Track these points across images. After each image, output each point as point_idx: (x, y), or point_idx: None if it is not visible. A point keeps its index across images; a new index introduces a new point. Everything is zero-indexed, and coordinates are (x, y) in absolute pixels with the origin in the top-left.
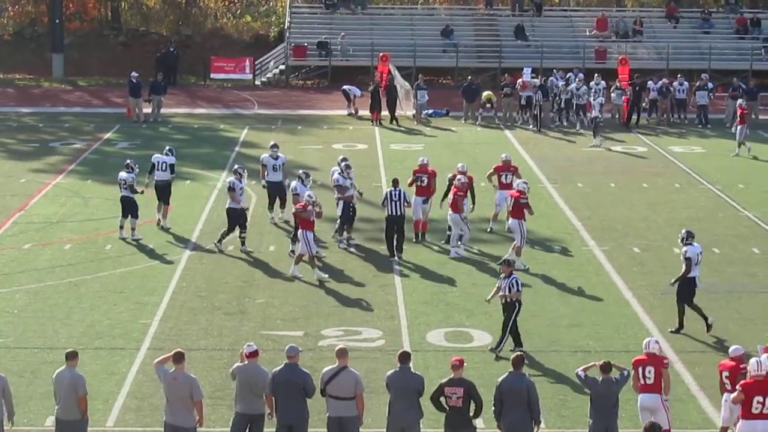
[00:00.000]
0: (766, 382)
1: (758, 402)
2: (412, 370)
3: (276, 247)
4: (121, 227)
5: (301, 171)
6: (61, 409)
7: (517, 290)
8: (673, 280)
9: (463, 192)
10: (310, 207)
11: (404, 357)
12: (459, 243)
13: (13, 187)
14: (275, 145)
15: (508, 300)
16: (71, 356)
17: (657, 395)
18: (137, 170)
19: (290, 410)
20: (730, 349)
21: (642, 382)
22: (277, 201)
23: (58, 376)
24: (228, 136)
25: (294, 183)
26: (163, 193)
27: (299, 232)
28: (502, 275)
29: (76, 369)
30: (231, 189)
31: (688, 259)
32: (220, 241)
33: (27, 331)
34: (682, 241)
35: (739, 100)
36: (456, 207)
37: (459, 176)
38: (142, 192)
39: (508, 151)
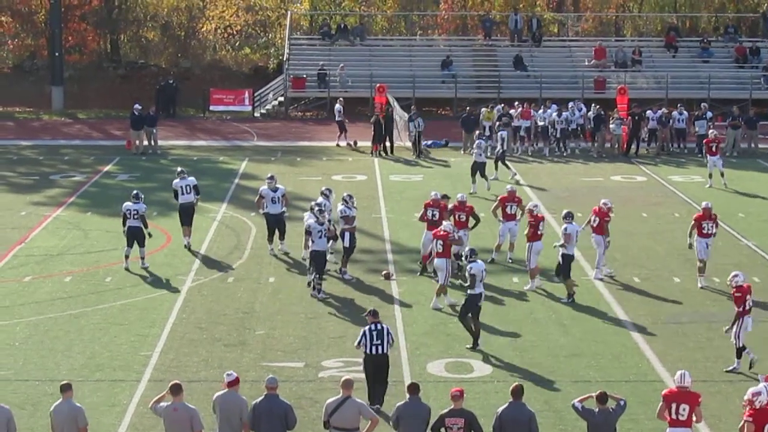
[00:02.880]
0: None
1: None
2: (421, 400)
3: (276, 279)
4: (127, 257)
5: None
6: None
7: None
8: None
9: (608, 217)
10: (452, 235)
11: (414, 388)
12: (601, 266)
13: (13, 219)
14: (272, 177)
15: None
16: (65, 388)
17: (689, 429)
18: (143, 198)
19: None
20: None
21: (674, 417)
22: (276, 233)
23: (56, 410)
24: (227, 168)
25: (306, 215)
26: (188, 215)
27: (439, 261)
28: (371, 324)
29: (73, 400)
30: (307, 232)
31: (472, 276)
32: (314, 289)
33: (28, 363)
34: (465, 258)
35: (711, 131)
36: (601, 230)
37: (604, 200)
38: (150, 236)
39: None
